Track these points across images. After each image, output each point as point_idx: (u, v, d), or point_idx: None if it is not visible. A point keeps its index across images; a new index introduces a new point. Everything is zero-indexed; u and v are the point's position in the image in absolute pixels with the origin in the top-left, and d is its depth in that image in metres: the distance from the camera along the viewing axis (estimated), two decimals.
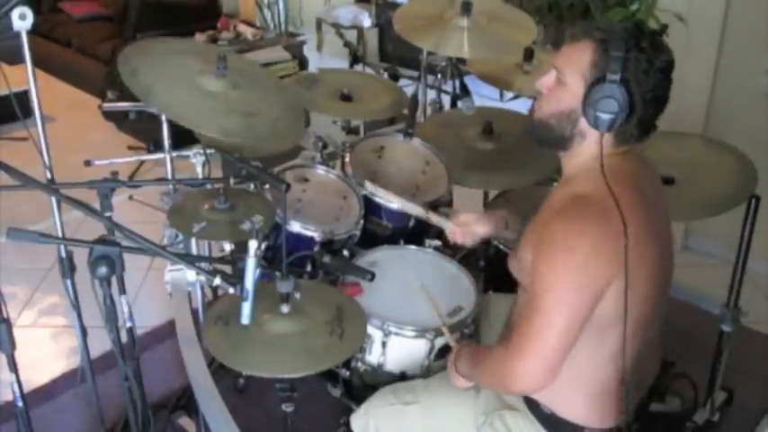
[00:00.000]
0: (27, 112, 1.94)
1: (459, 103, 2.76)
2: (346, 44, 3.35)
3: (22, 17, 1.78)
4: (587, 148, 1.50)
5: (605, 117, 1.42)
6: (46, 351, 2.92)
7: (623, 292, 1.41)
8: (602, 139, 1.45)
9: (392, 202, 2.21)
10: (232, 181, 2.06)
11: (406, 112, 2.62)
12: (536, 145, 1.61)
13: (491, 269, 2.40)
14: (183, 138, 2.29)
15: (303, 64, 4.93)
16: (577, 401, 1.56)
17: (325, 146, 2.45)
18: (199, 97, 1.90)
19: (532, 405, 1.62)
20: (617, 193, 1.41)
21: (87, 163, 2.18)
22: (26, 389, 1.77)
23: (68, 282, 2.08)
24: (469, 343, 1.82)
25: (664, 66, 1.43)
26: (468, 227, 1.98)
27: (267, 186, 2.17)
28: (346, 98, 2.70)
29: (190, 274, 2.02)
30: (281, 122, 2.01)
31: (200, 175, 2.24)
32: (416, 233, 2.31)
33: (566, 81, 1.48)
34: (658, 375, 1.75)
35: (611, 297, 1.44)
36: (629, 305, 1.44)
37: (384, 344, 1.93)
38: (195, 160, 2.24)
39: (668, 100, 1.47)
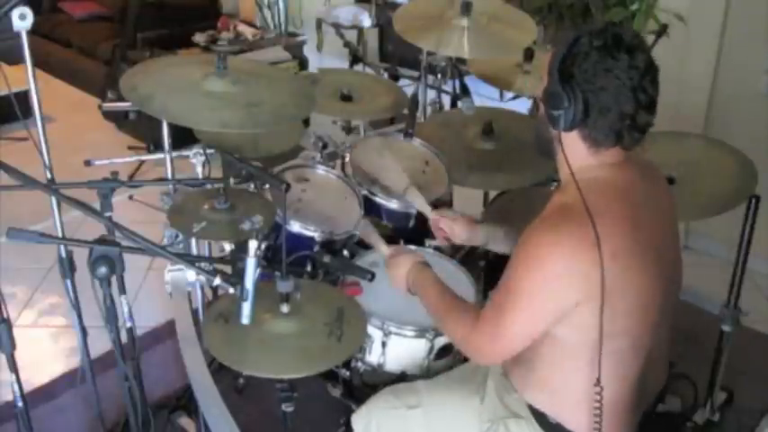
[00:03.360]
0: (27, 112, 1.94)
1: (459, 103, 2.76)
2: (346, 44, 3.36)
3: (22, 17, 1.78)
4: (569, 156, 1.49)
5: (555, 113, 1.43)
6: (46, 351, 2.92)
7: (610, 311, 1.40)
8: (560, 137, 1.47)
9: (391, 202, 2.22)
10: (232, 181, 2.06)
11: (406, 112, 2.62)
12: (538, 154, 1.63)
13: (491, 269, 2.39)
14: (183, 138, 2.29)
15: (303, 64, 4.93)
16: (584, 415, 1.53)
17: (325, 146, 2.45)
18: (198, 98, 1.90)
19: (538, 415, 1.61)
20: (600, 206, 1.41)
21: (87, 163, 2.18)
22: (26, 389, 1.77)
23: (68, 282, 2.08)
24: (426, 266, 1.83)
25: (623, 64, 1.38)
26: (451, 222, 2.00)
27: (267, 186, 2.17)
28: (346, 98, 2.70)
29: (190, 274, 2.03)
30: (289, 108, 2.01)
31: (200, 175, 2.24)
32: (416, 233, 2.31)
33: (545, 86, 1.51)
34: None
35: (592, 315, 1.41)
36: (619, 322, 1.43)
37: (384, 344, 1.93)
38: (195, 160, 2.24)
39: (638, 101, 1.41)
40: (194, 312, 2.29)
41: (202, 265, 1.62)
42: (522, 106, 3.11)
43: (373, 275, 1.96)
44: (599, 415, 1.45)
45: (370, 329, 1.91)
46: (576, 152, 1.48)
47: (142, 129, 4.22)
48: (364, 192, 2.30)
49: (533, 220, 1.51)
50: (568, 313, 1.43)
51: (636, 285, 1.45)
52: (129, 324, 1.88)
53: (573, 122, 1.43)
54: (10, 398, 1.75)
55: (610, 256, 1.38)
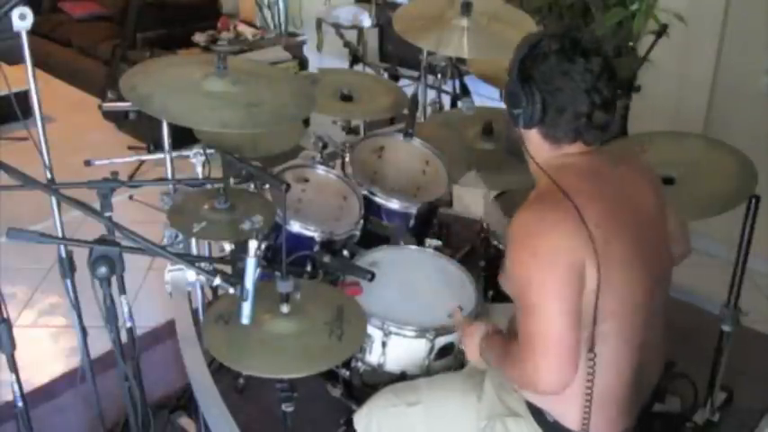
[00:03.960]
0: (27, 112, 1.94)
1: (459, 103, 2.76)
2: (346, 44, 3.36)
3: (22, 17, 1.78)
4: (532, 151, 1.57)
5: (514, 112, 1.52)
6: (46, 351, 2.91)
7: (600, 286, 1.43)
8: (521, 132, 1.55)
9: None
10: (232, 181, 2.06)
11: (406, 112, 2.62)
12: (513, 157, 1.66)
13: (491, 269, 2.39)
14: (183, 138, 2.29)
15: (303, 64, 4.93)
16: (580, 411, 1.54)
17: (325, 146, 2.45)
18: (198, 98, 1.90)
19: (536, 412, 1.61)
20: (573, 185, 1.47)
21: (87, 163, 2.18)
22: (26, 389, 1.76)
23: (68, 282, 2.08)
24: (497, 332, 1.76)
25: (579, 68, 1.44)
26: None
27: (267, 186, 2.17)
28: (346, 98, 2.70)
29: (190, 274, 2.03)
30: (289, 108, 2.02)
31: (200, 175, 2.24)
32: (416, 233, 2.31)
33: None
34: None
35: (590, 291, 1.43)
36: (607, 300, 1.45)
37: (384, 344, 1.93)
38: (195, 160, 2.24)
39: (593, 102, 1.46)
40: (194, 312, 2.29)
41: (202, 265, 1.62)
42: None
43: (373, 275, 1.96)
44: (590, 380, 1.48)
45: (370, 329, 1.91)
46: (539, 148, 1.56)
47: (142, 129, 4.22)
48: (364, 192, 2.30)
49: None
50: (581, 273, 1.43)
51: (618, 259, 1.47)
52: (129, 324, 1.88)
53: (531, 121, 1.50)
54: (10, 398, 1.74)
55: (593, 224, 1.43)
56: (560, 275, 1.43)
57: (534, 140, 1.55)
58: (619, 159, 1.61)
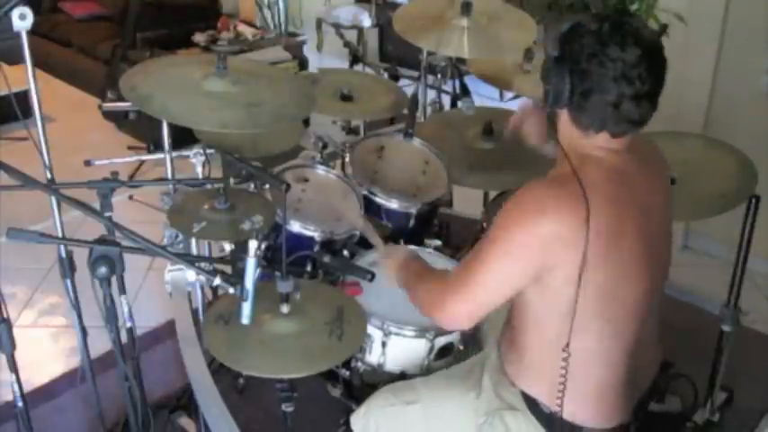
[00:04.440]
0: (27, 112, 1.94)
1: (459, 103, 2.76)
2: (346, 44, 3.36)
3: (22, 17, 1.78)
4: (561, 133, 1.54)
5: (545, 87, 1.48)
6: (46, 351, 2.92)
7: (584, 285, 1.43)
8: (552, 112, 1.51)
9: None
10: (232, 181, 2.06)
11: (406, 112, 2.62)
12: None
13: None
14: (183, 138, 2.29)
15: (303, 64, 4.93)
16: (576, 402, 1.56)
17: (325, 146, 2.45)
18: (198, 98, 1.90)
19: (533, 405, 1.62)
20: (596, 180, 1.44)
21: (87, 163, 2.18)
22: (26, 389, 1.77)
23: (68, 282, 2.08)
24: (419, 259, 1.84)
25: (604, 53, 1.40)
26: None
27: (267, 186, 2.17)
28: (346, 98, 2.70)
29: (190, 274, 2.03)
30: (289, 108, 2.02)
31: (200, 175, 2.24)
32: (416, 233, 2.31)
33: None
34: (658, 375, 1.75)
35: (565, 285, 1.44)
36: (607, 302, 1.46)
37: (384, 344, 1.93)
38: (195, 160, 2.24)
39: (620, 92, 1.42)
40: (194, 312, 2.29)
41: (202, 265, 1.62)
42: None
43: (373, 275, 1.96)
44: (564, 375, 1.50)
45: (370, 329, 1.91)
46: (569, 131, 1.52)
47: (142, 129, 4.22)
48: (364, 192, 2.30)
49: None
50: (541, 278, 1.45)
51: (613, 273, 1.47)
52: (129, 324, 1.88)
53: (558, 101, 1.46)
54: (10, 398, 1.75)
55: (594, 232, 1.40)
56: (526, 255, 1.45)
57: (564, 123, 1.52)
58: (644, 160, 1.58)
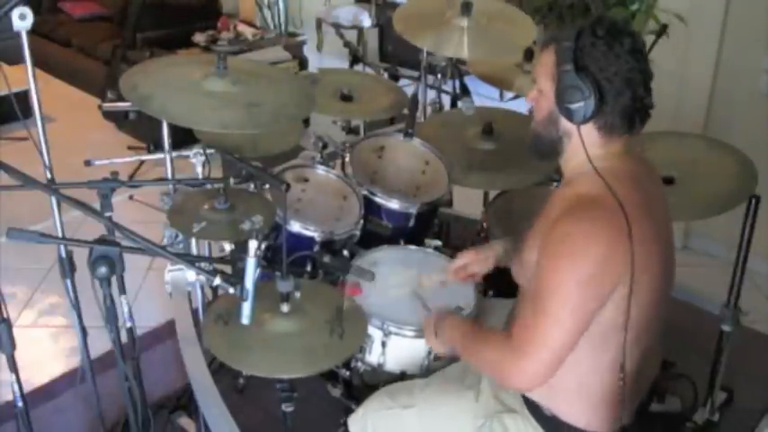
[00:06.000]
0: (27, 112, 1.93)
1: (460, 103, 2.76)
2: (346, 44, 3.35)
3: (22, 17, 1.78)
4: (577, 147, 1.51)
5: (573, 107, 1.45)
6: (46, 351, 2.92)
7: (626, 298, 1.42)
8: (579, 130, 1.48)
9: None
10: (232, 181, 2.06)
11: (406, 112, 2.62)
12: (537, 159, 1.63)
13: (491, 269, 2.39)
14: (183, 138, 2.29)
15: (303, 64, 4.93)
16: (578, 405, 1.56)
17: (325, 146, 2.44)
18: (198, 98, 1.90)
19: (533, 407, 1.62)
20: (622, 194, 1.43)
21: (87, 163, 2.18)
22: (26, 389, 1.77)
23: (68, 282, 2.08)
24: (465, 318, 1.80)
25: (627, 48, 1.44)
26: (466, 271, 1.99)
27: (267, 186, 2.17)
28: (346, 98, 2.70)
29: (190, 274, 2.03)
30: (289, 108, 2.01)
31: (200, 175, 2.24)
32: (416, 233, 2.31)
33: (542, 88, 1.54)
34: (658, 375, 1.75)
35: (613, 303, 1.44)
36: (632, 310, 1.44)
37: (384, 344, 1.93)
38: (195, 160, 2.24)
39: (644, 82, 1.47)
40: (194, 312, 2.29)
41: (202, 265, 1.62)
42: (522, 106, 3.11)
43: (373, 275, 1.96)
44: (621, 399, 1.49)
45: (370, 329, 1.91)
46: (588, 145, 1.50)
47: (142, 129, 4.22)
48: (364, 192, 2.30)
49: (543, 219, 1.52)
50: (603, 303, 1.43)
51: (651, 273, 1.47)
52: (129, 324, 1.88)
53: (593, 113, 1.45)
54: (10, 398, 1.75)
55: (638, 241, 1.41)
56: (589, 294, 1.42)
57: (586, 135, 1.49)
58: (642, 162, 1.60)
